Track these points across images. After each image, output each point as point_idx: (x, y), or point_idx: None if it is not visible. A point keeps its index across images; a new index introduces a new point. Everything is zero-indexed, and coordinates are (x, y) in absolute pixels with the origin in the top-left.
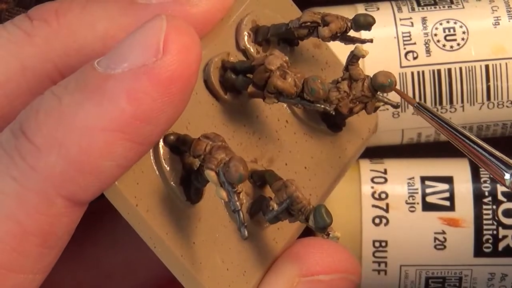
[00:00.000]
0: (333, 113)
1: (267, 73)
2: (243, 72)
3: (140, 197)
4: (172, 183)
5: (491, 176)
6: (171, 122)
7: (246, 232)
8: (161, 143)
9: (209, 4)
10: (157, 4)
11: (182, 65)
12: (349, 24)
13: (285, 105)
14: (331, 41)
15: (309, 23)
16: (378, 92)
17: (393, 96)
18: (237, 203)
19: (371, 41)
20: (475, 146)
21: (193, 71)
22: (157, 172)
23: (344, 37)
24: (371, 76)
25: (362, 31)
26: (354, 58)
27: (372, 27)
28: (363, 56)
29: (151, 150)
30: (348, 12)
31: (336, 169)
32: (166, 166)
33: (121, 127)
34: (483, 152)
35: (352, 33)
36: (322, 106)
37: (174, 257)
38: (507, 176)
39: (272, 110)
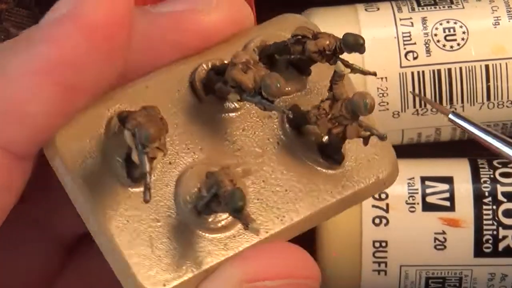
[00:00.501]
0: (291, 116)
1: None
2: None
3: (78, 162)
4: (117, 157)
5: None
6: (104, 73)
7: (148, 196)
8: (116, 118)
9: (221, 15)
10: (167, 12)
11: (107, 12)
12: (338, 43)
13: (279, 127)
14: (326, 63)
15: (300, 37)
16: (361, 117)
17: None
18: (146, 165)
19: (374, 74)
20: None
21: (118, 19)
22: (103, 143)
23: (344, 63)
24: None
25: (363, 31)
26: (336, 76)
27: (372, 27)
28: (343, 74)
29: (103, 122)
30: (348, 12)
31: (324, 202)
32: (114, 139)
33: (46, 71)
34: None
35: (353, 57)
36: (282, 109)
37: (101, 231)
38: None
39: (264, 127)
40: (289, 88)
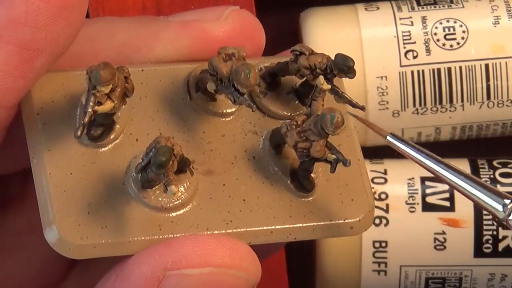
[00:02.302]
0: (254, 110)
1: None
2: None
3: (46, 110)
4: (82, 113)
5: (485, 209)
6: (59, 32)
7: (79, 132)
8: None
9: (229, 27)
10: (177, 21)
11: None
12: (330, 63)
13: (261, 145)
14: (313, 82)
15: (297, 52)
16: (328, 135)
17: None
18: (90, 103)
19: (362, 108)
20: (464, 178)
21: None
22: (74, 102)
23: (332, 89)
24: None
25: (363, 31)
26: (316, 91)
27: (372, 26)
28: (323, 90)
29: (83, 84)
30: (348, 11)
31: (279, 223)
32: (82, 98)
33: (0, 31)
34: (471, 183)
35: (353, 56)
36: (248, 102)
37: (43, 173)
38: (499, 207)
39: (245, 140)
40: (285, 112)
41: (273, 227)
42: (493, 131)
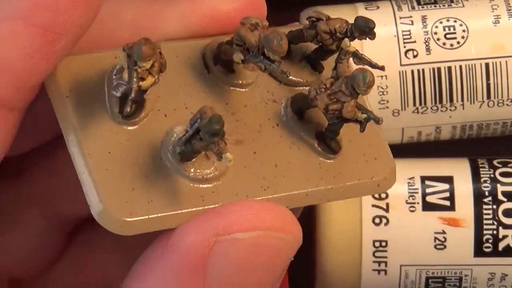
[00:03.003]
0: (288, 76)
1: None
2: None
3: (75, 92)
4: (113, 92)
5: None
6: (81, 16)
7: (128, 109)
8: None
9: (238, 2)
10: None
11: None
12: (350, 27)
13: (282, 111)
14: (336, 49)
15: (314, 19)
16: (359, 95)
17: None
18: (134, 79)
19: (382, 68)
20: None
21: None
22: (103, 82)
23: (355, 54)
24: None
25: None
26: (341, 53)
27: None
28: (348, 51)
29: (109, 64)
30: (348, 11)
31: (312, 186)
32: (114, 79)
33: (24, 14)
34: None
35: (363, 46)
36: (281, 69)
37: (82, 154)
38: None
39: (266, 108)
40: (300, 79)
41: (307, 190)
42: (493, 130)
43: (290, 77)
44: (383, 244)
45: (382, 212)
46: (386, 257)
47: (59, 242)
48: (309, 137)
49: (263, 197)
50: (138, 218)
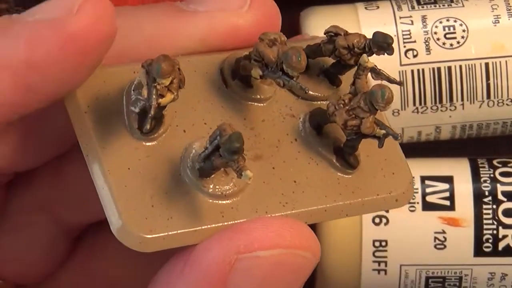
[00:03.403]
0: (308, 92)
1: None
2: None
3: (93, 108)
4: (132, 108)
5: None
6: (67, 83)
7: (148, 126)
8: (138, 77)
9: (256, 17)
10: (203, 11)
11: (88, 28)
12: (368, 42)
13: (300, 126)
14: (354, 63)
15: (332, 34)
16: (378, 111)
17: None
18: (153, 96)
19: (400, 83)
20: None
21: (97, 38)
22: (122, 98)
23: (373, 69)
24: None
25: (363, 30)
26: (359, 69)
27: (372, 25)
28: (367, 66)
29: (127, 80)
30: (348, 10)
31: (331, 201)
32: (133, 94)
33: (12, 66)
34: None
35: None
36: (300, 85)
37: (101, 171)
38: None
39: (284, 123)
40: (317, 94)
41: (326, 205)
42: (493, 130)
43: (309, 92)
44: (383, 244)
45: (382, 212)
46: (386, 257)
47: (65, 247)
48: (327, 152)
49: (282, 213)
50: (158, 235)
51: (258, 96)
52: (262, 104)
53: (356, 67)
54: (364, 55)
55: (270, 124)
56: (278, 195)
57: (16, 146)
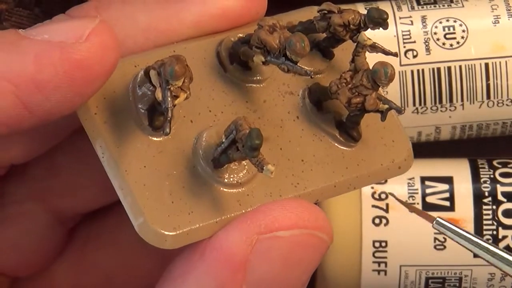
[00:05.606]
0: (312, 77)
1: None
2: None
3: (102, 109)
4: (140, 106)
5: None
6: (63, 107)
7: (168, 128)
8: (142, 72)
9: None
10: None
11: (96, 57)
12: (363, 18)
13: (300, 103)
14: (349, 39)
15: (326, 11)
16: (380, 87)
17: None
18: (169, 99)
19: (395, 54)
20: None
21: (103, 68)
22: (129, 95)
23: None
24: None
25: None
26: (358, 47)
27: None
28: (366, 44)
29: (130, 75)
30: None
31: (339, 176)
32: (139, 90)
33: (16, 81)
34: None
35: (375, 35)
36: (305, 70)
37: (119, 171)
38: None
39: (284, 102)
40: (312, 68)
41: (335, 181)
42: (493, 131)
43: (303, 67)
44: (383, 244)
45: (382, 213)
46: (386, 257)
47: (60, 238)
48: (329, 127)
49: (295, 194)
50: (182, 231)
51: (258, 78)
52: (261, 85)
53: (348, 40)
54: (363, 33)
55: (271, 104)
56: (289, 176)
57: (13, 139)
